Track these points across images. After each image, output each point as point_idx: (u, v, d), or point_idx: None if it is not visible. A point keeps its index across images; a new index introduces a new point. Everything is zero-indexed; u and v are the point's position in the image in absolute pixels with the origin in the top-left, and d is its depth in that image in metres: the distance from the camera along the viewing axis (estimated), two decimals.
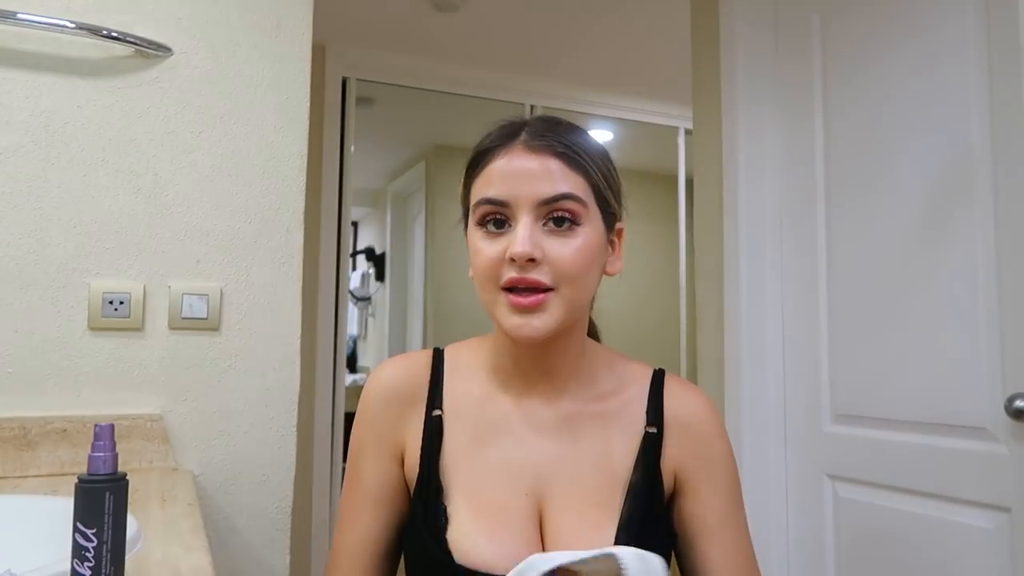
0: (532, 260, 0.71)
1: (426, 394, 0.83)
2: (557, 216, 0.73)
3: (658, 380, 0.84)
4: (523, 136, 0.76)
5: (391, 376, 0.85)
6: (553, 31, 2.81)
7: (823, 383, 1.69)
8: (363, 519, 0.83)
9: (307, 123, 1.40)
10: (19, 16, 1.18)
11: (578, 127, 0.80)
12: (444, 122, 3.36)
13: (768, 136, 1.85)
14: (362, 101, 3.03)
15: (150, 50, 1.28)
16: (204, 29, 1.33)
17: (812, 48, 1.75)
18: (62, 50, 1.24)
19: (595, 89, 3.35)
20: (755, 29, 1.87)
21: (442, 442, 0.80)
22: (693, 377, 2.98)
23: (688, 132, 3.43)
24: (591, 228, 0.75)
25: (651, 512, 0.78)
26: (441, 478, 0.79)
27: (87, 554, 0.58)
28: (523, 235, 0.71)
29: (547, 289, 0.72)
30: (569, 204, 0.73)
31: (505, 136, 0.77)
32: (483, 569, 0.73)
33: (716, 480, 0.81)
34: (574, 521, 0.76)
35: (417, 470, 0.80)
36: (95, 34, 1.23)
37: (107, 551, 0.59)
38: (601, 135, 3.57)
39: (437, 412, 0.81)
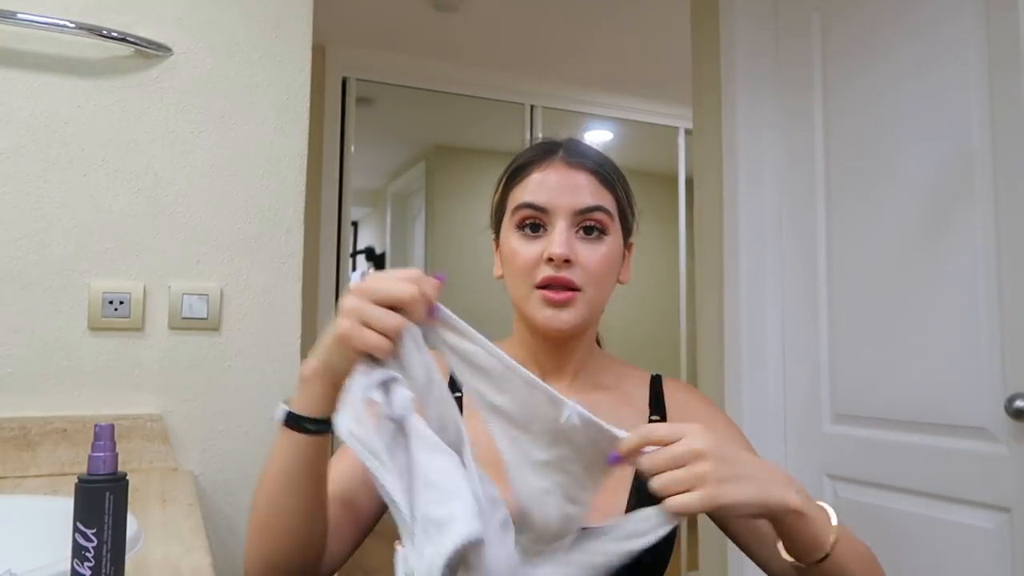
0: (567, 261, 0.80)
1: (447, 381, 0.88)
2: (588, 225, 0.82)
3: (657, 380, 0.94)
4: (561, 153, 0.86)
5: None
6: (553, 31, 2.81)
7: (823, 383, 1.69)
8: (343, 464, 0.83)
9: (307, 123, 1.40)
10: (19, 16, 1.18)
11: (602, 152, 0.90)
12: (444, 122, 3.36)
13: (768, 136, 1.85)
14: (362, 101, 3.03)
15: (150, 50, 1.28)
16: (204, 29, 1.33)
17: (812, 47, 1.75)
18: (62, 50, 1.24)
19: (595, 89, 3.35)
20: (755, 28, 1.87)
21: (461, 418, 0.85)
22: (693, 377, 2.98)
23: (688, 132, 3.44)
24: (614, 239, 0.85)
25: None
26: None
27: (87, 554, 0.58)
28: (561, 239, 0.80)
29: (576, 288, 0.81)
30: (600, 215, 0.83)
31: (544, 152, 0.87)
32: None
33: (735, 441, 0.87)
34: None
35: None
36: (95, 34, 1.23)
37: (107, 551, 0.59)
38: (601, 135, 3.57)
39: (456, 394, 0.88)
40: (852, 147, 1.64)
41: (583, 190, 0.82)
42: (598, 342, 1.00)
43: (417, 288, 0.62)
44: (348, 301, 0.63)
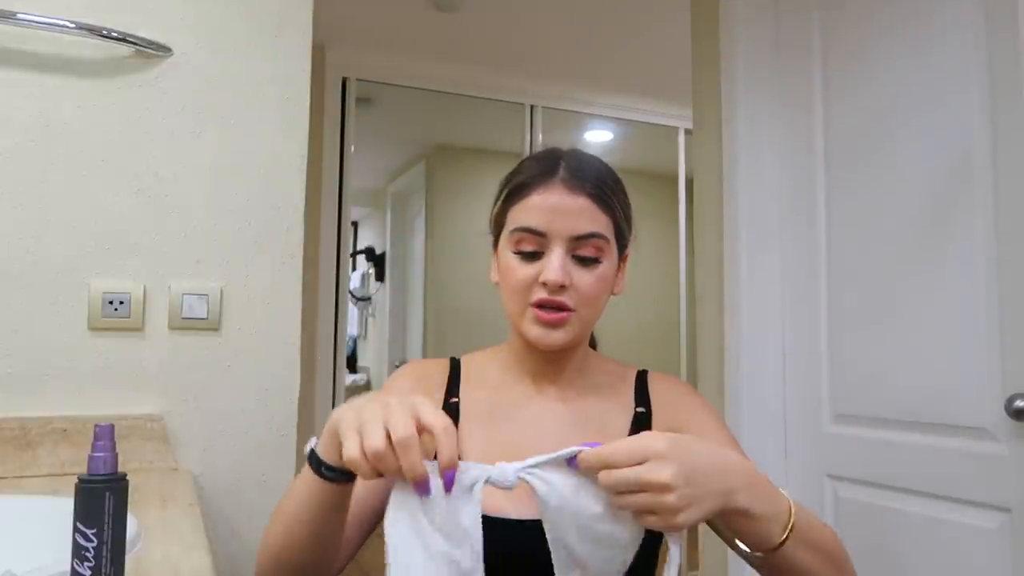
0: (563, 286, 0.83)
1: (445, 387, 0.94)
2: (584, 252, 0.85)
3: (642, 375, 0.99)
4: (561, 173, 0.86)
5: (415, 364, 0.99)
6: (553, 31, 2.81)
7: (823, 383, 1.69)
8: (364, 485, 0.83)
9: (307, 123, 1.40)
10: (19, 16, 1.18)
11: (603, 162, 0.91)
12: (444, 122, 3.35)
13: (768, 135, 1.85)
14: (362, 101, 3.03)
15: (150, 50, 1.28)
16: (204, 29, 1.33)
17: (812, 46, 1.75)
18: (62, 50, 1.24)
19: (595, 89, 3.34)
20: (755, 27, 1.87)
21: (459, 422, 0.90)
22: (693, 378, 2.98)
23: (688, 132, 3.43)
24: (609, 261, 0.87)
25: None
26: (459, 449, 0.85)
27: (87, 554, 0.58)
28: (556, 264, 0.83)
29: (570, 309, 0.85)
30: (596, 242, 0.85)
31: (545, 170, 0.87)
32: (498, 515, 0.79)
33: (703, 423, 0.92)
34: None
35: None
36: (95, 34, 1.23)
37: (107, 551, 0.59)
38: (601, 135, 3.57)
39: (454, 399, 0.92)
40: (852, 148, 1.64)
41: (580, 216, 0.84)
42: (593, 344, 1.04)
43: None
44: (401, 431, 0.63)
